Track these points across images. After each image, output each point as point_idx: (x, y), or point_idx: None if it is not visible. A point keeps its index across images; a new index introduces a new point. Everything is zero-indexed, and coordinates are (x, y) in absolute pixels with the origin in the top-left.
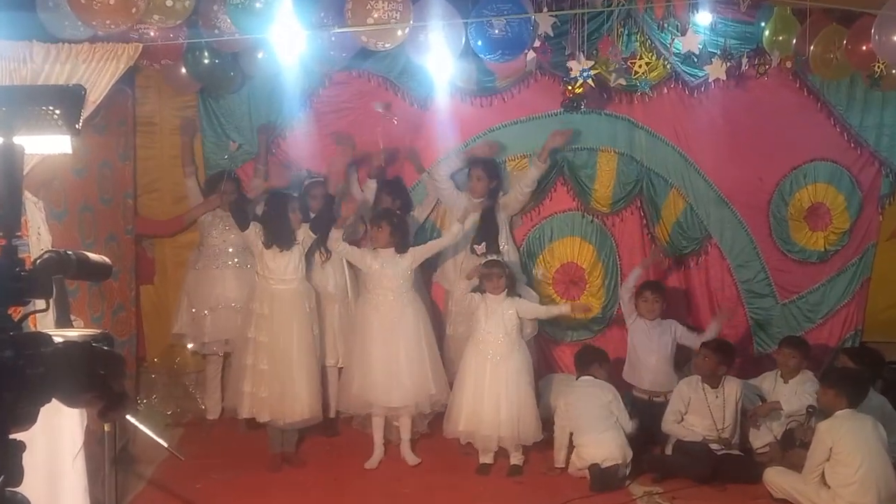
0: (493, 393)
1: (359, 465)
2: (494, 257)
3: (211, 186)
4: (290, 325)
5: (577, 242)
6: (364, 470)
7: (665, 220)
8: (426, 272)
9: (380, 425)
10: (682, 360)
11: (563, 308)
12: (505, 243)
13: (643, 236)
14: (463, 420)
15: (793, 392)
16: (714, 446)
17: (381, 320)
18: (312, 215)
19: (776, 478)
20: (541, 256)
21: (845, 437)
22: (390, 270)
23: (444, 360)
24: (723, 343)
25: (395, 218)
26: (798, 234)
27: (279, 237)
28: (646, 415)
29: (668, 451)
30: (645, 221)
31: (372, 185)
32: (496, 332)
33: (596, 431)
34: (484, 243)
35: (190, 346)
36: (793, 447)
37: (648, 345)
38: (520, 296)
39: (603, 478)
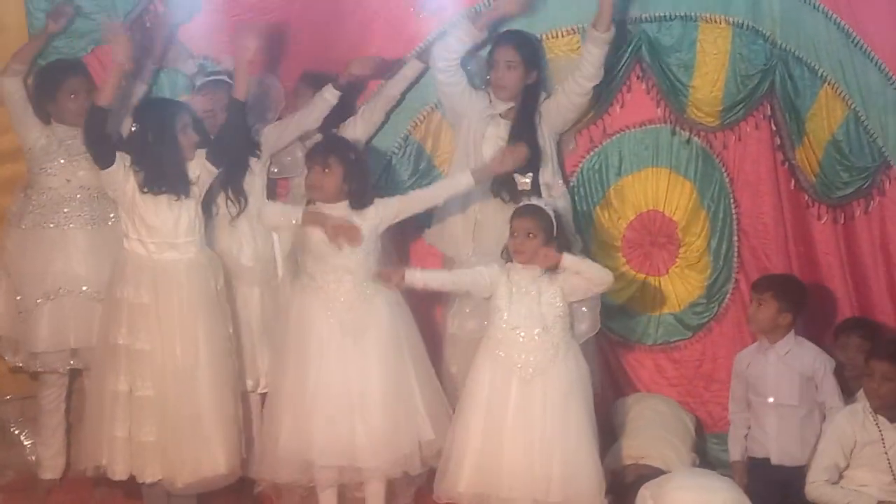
0: (520, 429)
1: None
2: (530, 200)
3: (46, 90)
4: (189, 320)
5: (665, 177)
6: None
7: (813, 140)
8: (408, 231)
9: (331, 501)
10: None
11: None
12: (552, 178)
13: (776, 166)
14: (467, 474)
15: None
16: None
17: (333, 320)
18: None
19: None
20: (603, 202)
21: None
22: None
23: (444, 379)
24: (868, 322)
25: (352, 153)
26: None
27: (163, 175)
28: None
29: None
30: (779, 141)
31: (327, 95)
32: (528, 329)
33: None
34: (531, 174)
35: (10, 358)
36: None
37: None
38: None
39: None
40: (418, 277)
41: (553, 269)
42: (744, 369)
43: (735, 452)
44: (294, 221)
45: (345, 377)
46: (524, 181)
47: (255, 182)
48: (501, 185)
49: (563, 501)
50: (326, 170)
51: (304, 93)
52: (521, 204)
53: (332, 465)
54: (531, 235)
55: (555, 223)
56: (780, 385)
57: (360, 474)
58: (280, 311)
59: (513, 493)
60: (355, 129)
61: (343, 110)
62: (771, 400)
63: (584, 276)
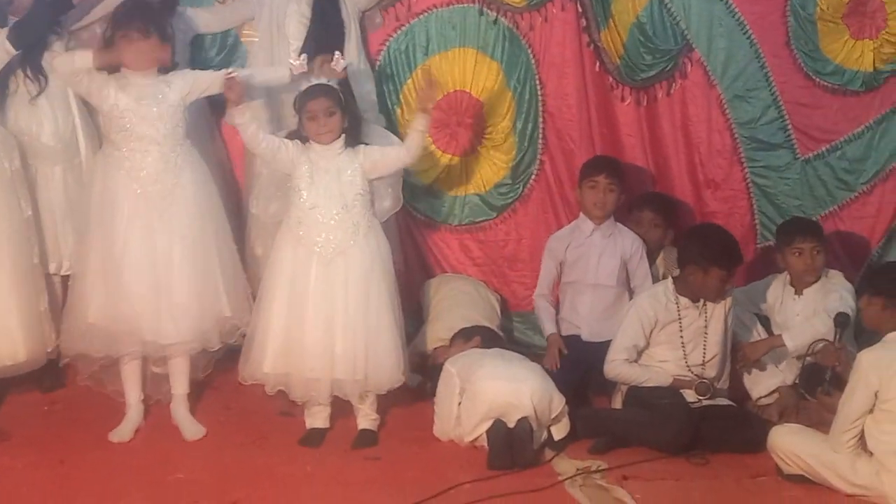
0: (322, 309)
1: (100, 438)
2: (324, 80)
3: None
4: None
5: (472, 57)
6: (109, 445)
7: (618, 22)
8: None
9: (134, 373)
10: None
11: (418, 122)
12: (355, 53)
13: (581, 48)
14: (271, 355)
15: (810, 310)
16: (689, 394)
17: (138, 193)
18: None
19: (788, 442)
20: (409, 82)
21: None
22: (154, 110)
23: (249, 260)
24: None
25: (165, 21)
26: (833, 45)
27: None
28: (580, 355)
29: (617, 404)
30: (585, 23)
31: None
32: (327, 208)
33: (502, 366)
34: (304, 56)
35: None
36: (816, 391)
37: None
38: (366, 145)
39: (509, 444)
40: (248, 115)
41: (352, 142)
42: (562, 251)
43: (550, 326)
44: (84, 65)
45: (150, 250)
46: (300, 63)
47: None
48: (309, 62)
49: (364, 378)
50: (147, 37)
51: None
52: (311, 84)
53: (136, 339)
54: (332, 114)
55: (343, 98)
56: (601, 266)
57: (164, 349)
58: (83, 190)
59: (315, 373)
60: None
61: None
62: (591, 280)
63: (388, 161)
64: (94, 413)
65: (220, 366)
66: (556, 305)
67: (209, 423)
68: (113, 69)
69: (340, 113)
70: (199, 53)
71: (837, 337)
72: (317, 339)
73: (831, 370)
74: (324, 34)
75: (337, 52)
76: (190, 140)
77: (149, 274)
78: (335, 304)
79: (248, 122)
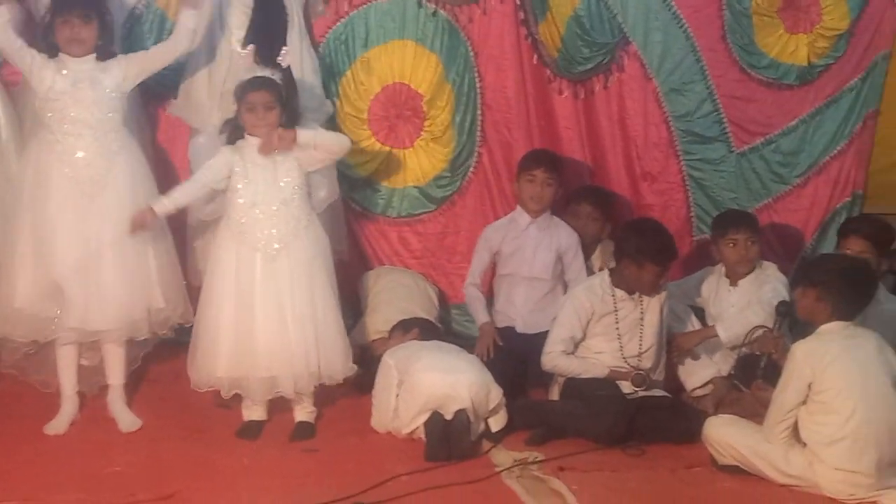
0: (271, 306)
1: (34, 431)
2: (267, 73)
3: None
4: None
5: (412, 50)
6: (44, 437)
7: (556, 15)
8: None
9: (70, 364)
10: None
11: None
12: (298, 42)
13: (519, 41)
14: (224, 358)
15: (745, 301)
16: (625, 385)
17: (70, 178)
18: None
19: (723, 433)
20: (349, 73)
21: (833, 368)
22: (89, 95)
23: (184, 252)
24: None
25: (104, 8)
26: (768, 38)
27: None
28: (516, 347)
29: (554, 396)
30: (523, 16)
31: None
32: (266, 204)
33: (439, 358)
34: (252, 46)
35: None
36: (750, 383)
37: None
38: None
39: (447, 435)
40: (166, 203)
41: (289, 148)
42: (498, 242)
43: (482, 315)
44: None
45: (80, 236)
46: (248, 54)
47: None
48: (254, 52)
49: (318, 370)
50: (87, 22)
51: None
52: (254, 76)
53: (68, 326)
54: (270, 108)
55: (283, 93)
56: (536, 259)
57: (92, 335)
58: (9, 175)
59: (270, 371)
60: None
61: None
62: (527, 273)
63: (322, 148)
64: (27, 405)
65: (155, 358)
66: (487, 296)
67: (146, 415)
68: (52, 53)
69: (279, 108)
70: (138, 44)
71: (777, 326)
72: (269, 337)
73: (767, 358)
74: (266, 23)
75: (285, 48)
76: (128, 128)
77: (77, 260)
78: (283, 300)
79: (176, 197)
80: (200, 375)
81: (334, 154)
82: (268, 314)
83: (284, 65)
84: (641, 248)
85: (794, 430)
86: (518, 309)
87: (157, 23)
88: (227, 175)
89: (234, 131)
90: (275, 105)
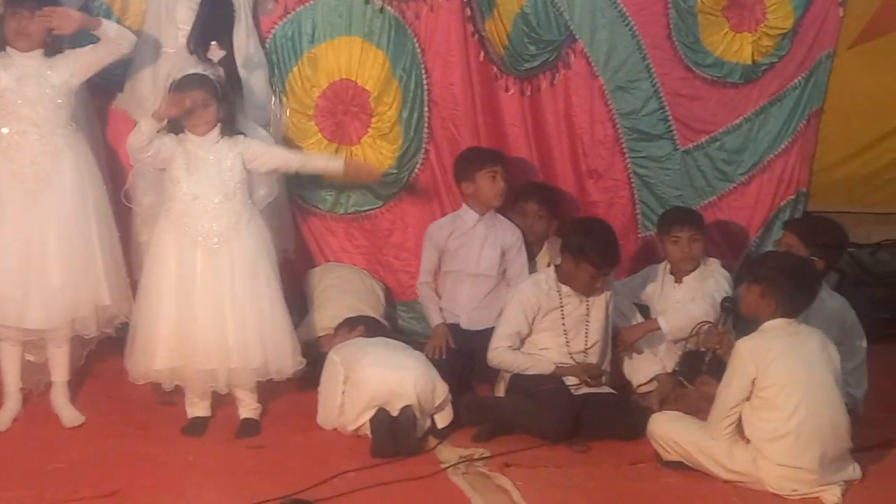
0: (211, 300)
1: None
2: (209, 70)
3: None
4: None
5: (358, 46)
6: None
7: (502, 12)
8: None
9: (13, 361)
10: None
11: (331, 163)
12: (245, 39)
13: (466, 38)
14: (162, 351)
15: (689, 297)
16: (570, 381)
17: (14, 174)
18: None
19: (667, 429)
20: (295, 69)
21: (777, 364)
22: (34, 91)
23: (132, 247)
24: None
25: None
26: (713, 37)
27: None
28: (462, 343)
29: (500, 392)
30: (469, 13)
31: None
32: (208, 197)
33: (386, 355)
34: (214, 43)
35: None
36: (694, 379)
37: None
38: (244, 135)
39: (393, 432)
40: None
41: (229, 131)
42: (444, 239)
43: (436, 316)
44: None
45: (23, 233)
46: (219, 52)
47: None
48: (197, 45)
49: (262, 366)
50: (35, 15)
51: None
52: (186, 74)
53: (10, 324)
54: (207, 105)
55: (219, 90)
56: (483, 257)
57: (36, 334)
58: None
59: (209, 364)
60: None
61: None
62: (473, 271)
63: (273, 160)
64: None
65: (100, 354)
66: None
67: (89, 412)
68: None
69: (216, 104)
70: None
71: (722, 321)
72: (208, 330)
73: (712, 353)
74: (212, 19)
75: (213, 42)
76: (76, 124)
77: (19, 257)
78: (223, 294)
79: (151, 139)
80: (138, 368)
81: (281, 167)
82: (207, 308)
83: (215, 59)
84: (582, 247)
85: (738, 427)
86: (462, 306)
87: (102, 16)
88: (167, 159)
89: (174, 126)
90: (211, 102)
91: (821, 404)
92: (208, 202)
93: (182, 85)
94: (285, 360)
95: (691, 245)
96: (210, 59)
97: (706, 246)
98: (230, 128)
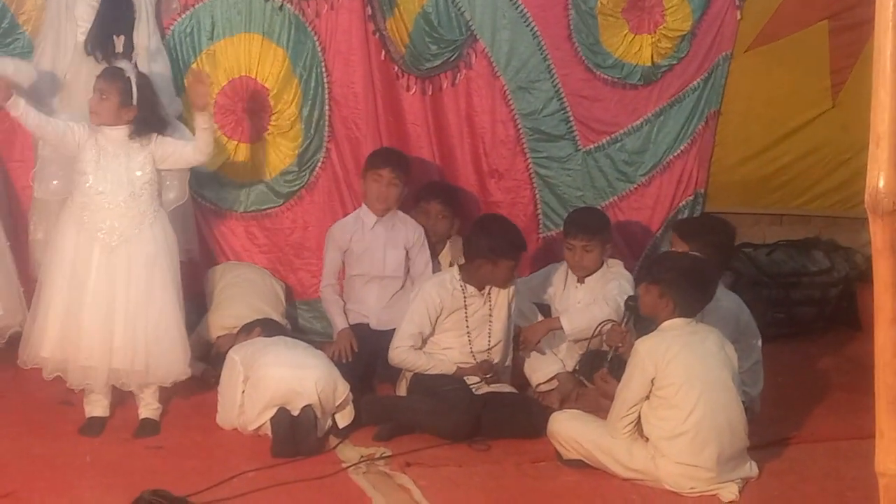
0: (103, 297)
1: None
2: (119, 64)
3: None
4: None
5: (258, 43)
6: None
7: (403, 11)
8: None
9: None
10: None
11: (200, 121)
12: (145, 35)
13: (367, 36)
14: (50, 340)
15: (591, 298)
16: (472, 381)
17: None
18: None
19: (567, 428)
20: (194, 65)
21: (675, 363)
22: None
23: (29, 244)
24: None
25: None
26: (613, 38)
27: None
28: (366, 343)
29: (402, 391)
30: (371, 12)
31: None
32: (114, 194)
33: (286, 354)
34: (123, 37)
35: None
36: (594, 377)
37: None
38: (158, 135)
39: (293, 431)
40: (22, 106)
41: (141, 131)
42: (346, 240)
43: (340, 321)
44: None
45: None
46: (119, 46)
47: None
48: (96, 45)
49: (145, 369)
50: None
51: None
52: (106, 68)
53: None
54: (104, 97)
55: (134, 88)
56: (387, 259)
57: None
58: None
59: (91, 361)
60: None
61: None
62: (378, 273)
63: (179, 153)
64: None
65: None
66: (341, 294)
67: None
68: None
69: (116, 99)
70: None
71: (626, 320)
72: (95, 326)
73: (614, 351)
74: (112, 15)
75: (122, 36)
76: None
77: None
78: (116, 293)
79: (26, 112)
80: (28, 353)
81: (189, 162)
82: (97, 305)
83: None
84: (494, 248)
85: (638, 425)
86: (371, 307)
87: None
88: (75, 147)
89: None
90: (109, 96)
91: (718, 403)
92: (113, 199)
93: (99, 78)
94: (172, 366)
95: (583, 255)
96: (115, 56)
97: (606, 249)
98: (144, 127)
